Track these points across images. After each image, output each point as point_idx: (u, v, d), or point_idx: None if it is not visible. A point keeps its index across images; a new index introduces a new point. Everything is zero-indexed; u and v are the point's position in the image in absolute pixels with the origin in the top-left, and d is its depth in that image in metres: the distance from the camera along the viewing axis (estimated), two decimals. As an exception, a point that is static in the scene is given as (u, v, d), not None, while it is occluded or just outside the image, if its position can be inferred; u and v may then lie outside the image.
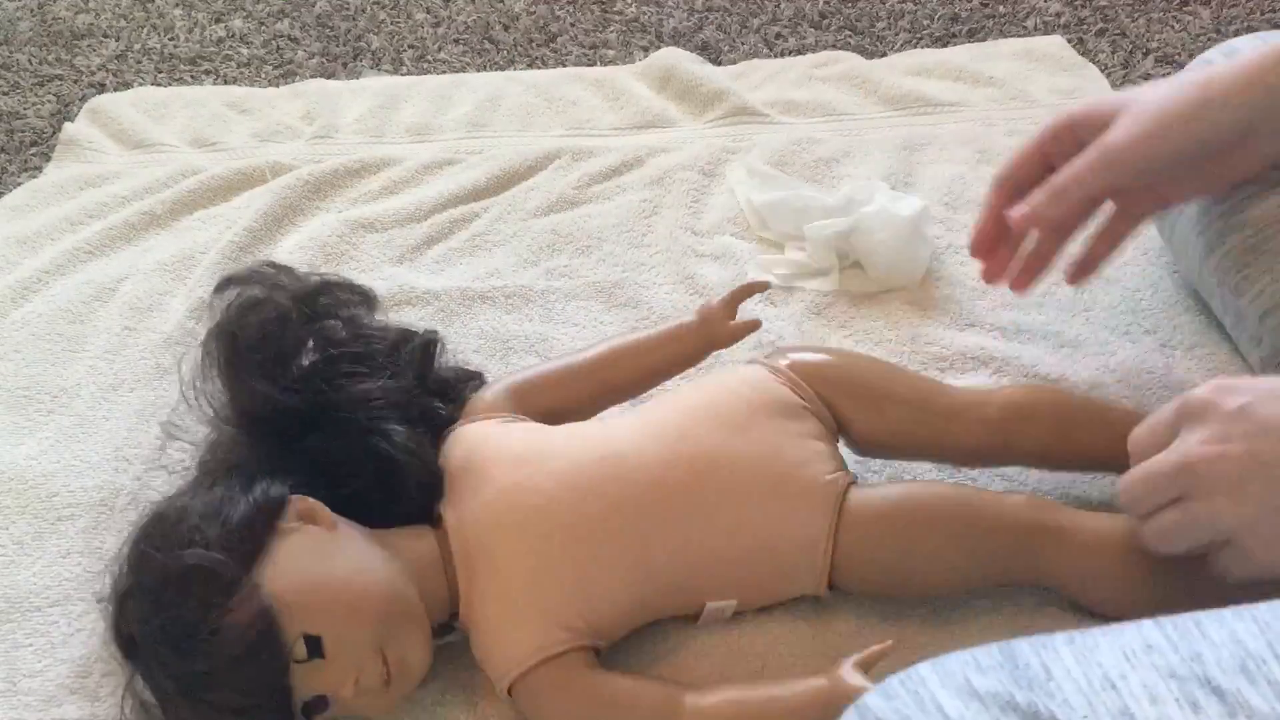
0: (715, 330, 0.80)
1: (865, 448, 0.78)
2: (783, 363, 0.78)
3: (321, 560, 0.67)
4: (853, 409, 0.76)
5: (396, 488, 0.71)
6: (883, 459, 0.81)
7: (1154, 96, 0.73)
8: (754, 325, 0.81)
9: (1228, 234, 0.85)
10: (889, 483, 0.79)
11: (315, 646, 0.64)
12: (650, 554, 0.69)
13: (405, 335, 0.79)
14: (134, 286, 1.04)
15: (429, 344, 0.79)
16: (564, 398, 0.79)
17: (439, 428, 0.76)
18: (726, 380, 0.77)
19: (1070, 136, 0.77)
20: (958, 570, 0.71)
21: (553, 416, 0.78)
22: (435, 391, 0.78)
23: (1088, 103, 0.78)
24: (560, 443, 0.74)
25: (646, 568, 0.69)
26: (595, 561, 0.69)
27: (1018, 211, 0.76)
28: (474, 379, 0.81)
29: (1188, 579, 0.66)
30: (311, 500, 0.69)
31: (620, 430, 0.74)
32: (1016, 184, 0.79)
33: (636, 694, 0.67)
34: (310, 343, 0.75)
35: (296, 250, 1.06)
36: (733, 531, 0.70)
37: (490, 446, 0.74)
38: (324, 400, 0.72)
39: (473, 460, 0.73)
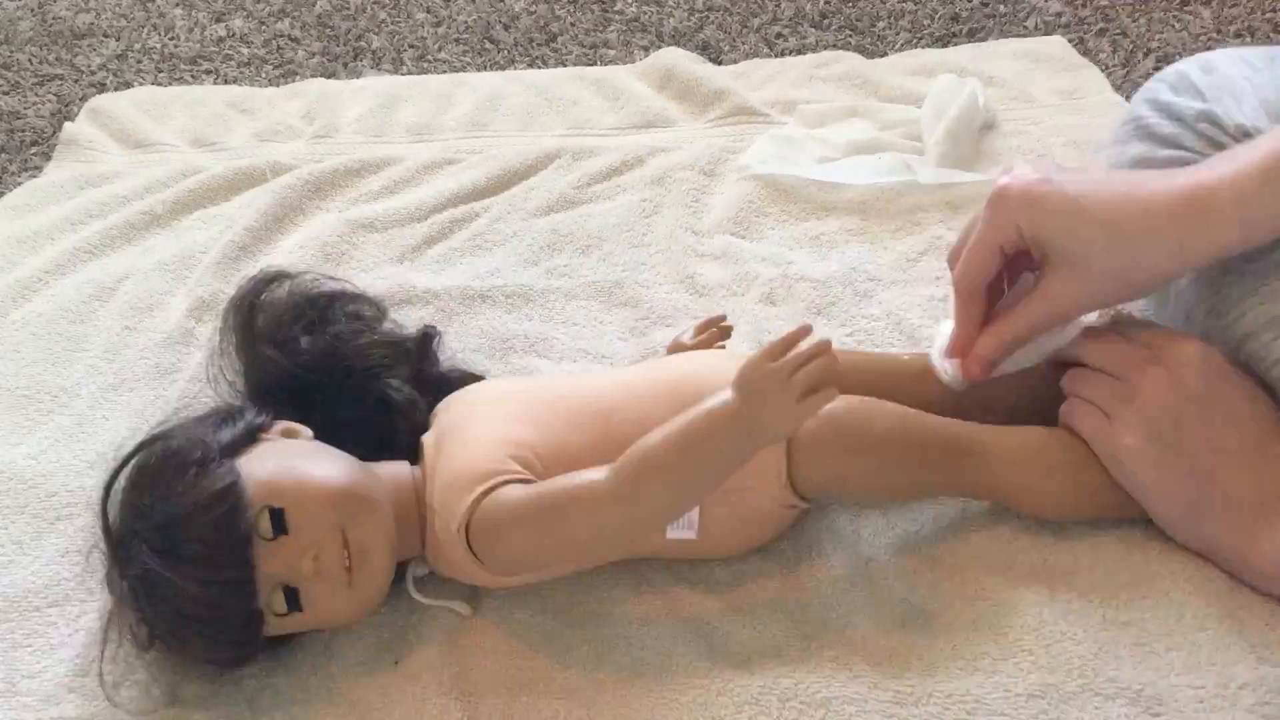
0: None
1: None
2: None
3: (293, 452, 0.72)
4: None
5: (388, 428, 0.77)
6: None
7: (1101, 238, 0.70)
8: (714, 339, 0.86)
9: None
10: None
11: (279, 521, 0.68)
12: (611, 427, 0.72)
13: (404, 335, 0.84)
14: (134, 286, 1.04)
15: (427, 336, 0.84)
16: None
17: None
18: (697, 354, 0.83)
19: (1013, 251, 0.75)
20: (891, 483, 0.76)
21: None
22: (434, 386, 0.81)
23: (1026, 219, 0.72)
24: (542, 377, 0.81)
25: (607, 438, 0.71)
26: (555, 423, 0.73)
27: (973, 371, 0.76)
28: (474, 380, 0.83)
29: (1105, 481, 0.74)
30: (294, 424, 0.75)
31: (599, 374, 0.81)
32: (983, 293, 0.77)
33: (567, 478, 0.68)
34: (314, 330, 0.80)
35: (296, 250, 1.06)
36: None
37: (467, 389, 0.80)
38: (334, 352, 0.78)
39: (448, 402, 0.79)
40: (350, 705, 0.71)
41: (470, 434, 0.73)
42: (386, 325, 0.84)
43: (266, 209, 1.10)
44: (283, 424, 0.75)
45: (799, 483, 0.74)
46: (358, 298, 0.85)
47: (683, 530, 0.73)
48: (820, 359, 0.65)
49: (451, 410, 0.78)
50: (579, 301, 1.01)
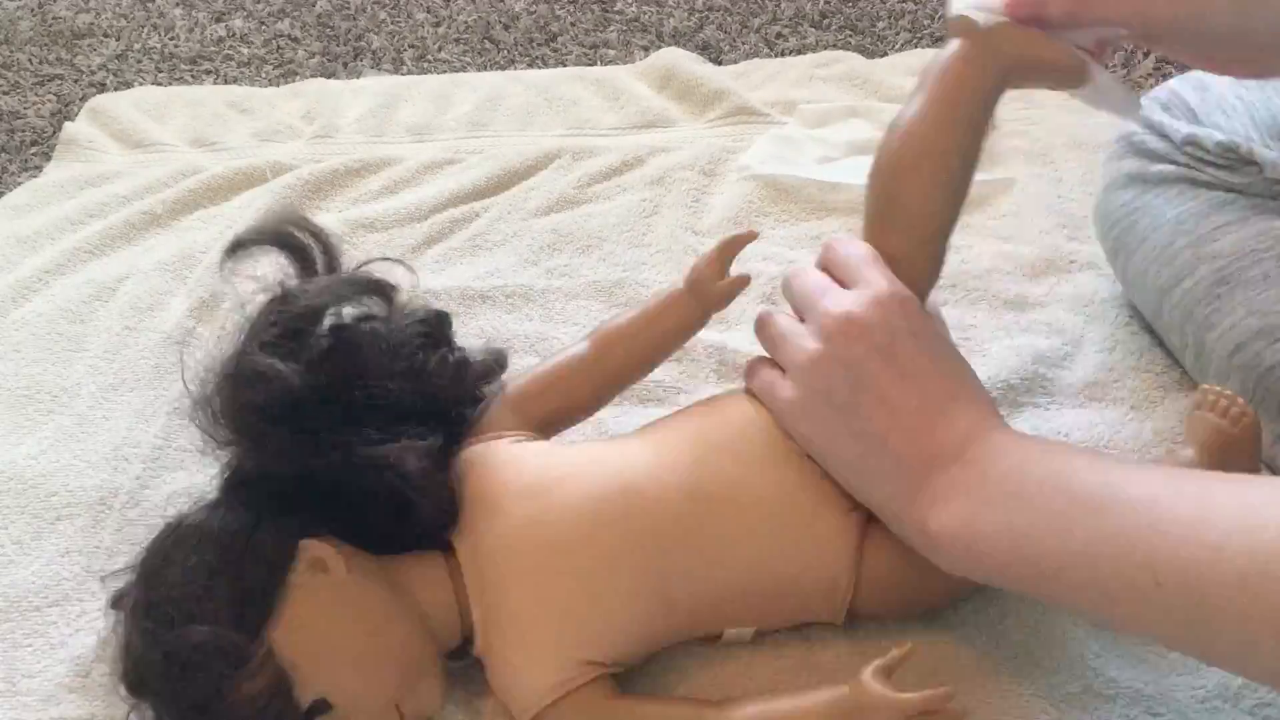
0: (706, 292, 0.74)
1: None
2: None
3: (334, 618, 0.64)
4: None
5: (410, 520, 0.67)
6: None
7: None
8: (744, 281, 0.75)
9: (1198, 264, 0.82)
10: None
11: (327, 709, 0.63)
12: (668, 587, 0.67)
13: (437, 362, 0.72)
14: (134, 286, 1.04)
15: (459, 364, 0.73)
16: (566, 399, 0.76)
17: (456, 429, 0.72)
18: (740, 407, 0.73)
19: None
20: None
21: (559, 418, 0.76)
22: (460, 403, 0.73)
23: None
24: (573, 470, 0.70)
25: (664, 600, 0.68)
26: (612, 595, 0.66)
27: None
28: (499, 367, 0.76)
29: None
30: (323, 547, 0.65)
31: (635, 457, 0.71)
32: None
33: (663, 715, 0.66)
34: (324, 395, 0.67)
35: (296, 250, 1.06)
36: (752, 567, 0.68)
37: (501, 474, 0.70)
38: (335, 461, 0.66)
39: (484, 488, 0.69)
40: (350, 705, 0.71)
41: (522, 615, 0.66)
42: (398, 326, 0.72)
43: (266, 209, 1.10)
44: (310, 551, 0.65)
45: (861, 611, 0.71)
46: (363, 290, 0.72)
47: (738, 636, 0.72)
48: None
49: (491, 533, 0.68)
50: (579, 301, 1.00)
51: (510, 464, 0.70)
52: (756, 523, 0.69)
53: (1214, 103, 0.87)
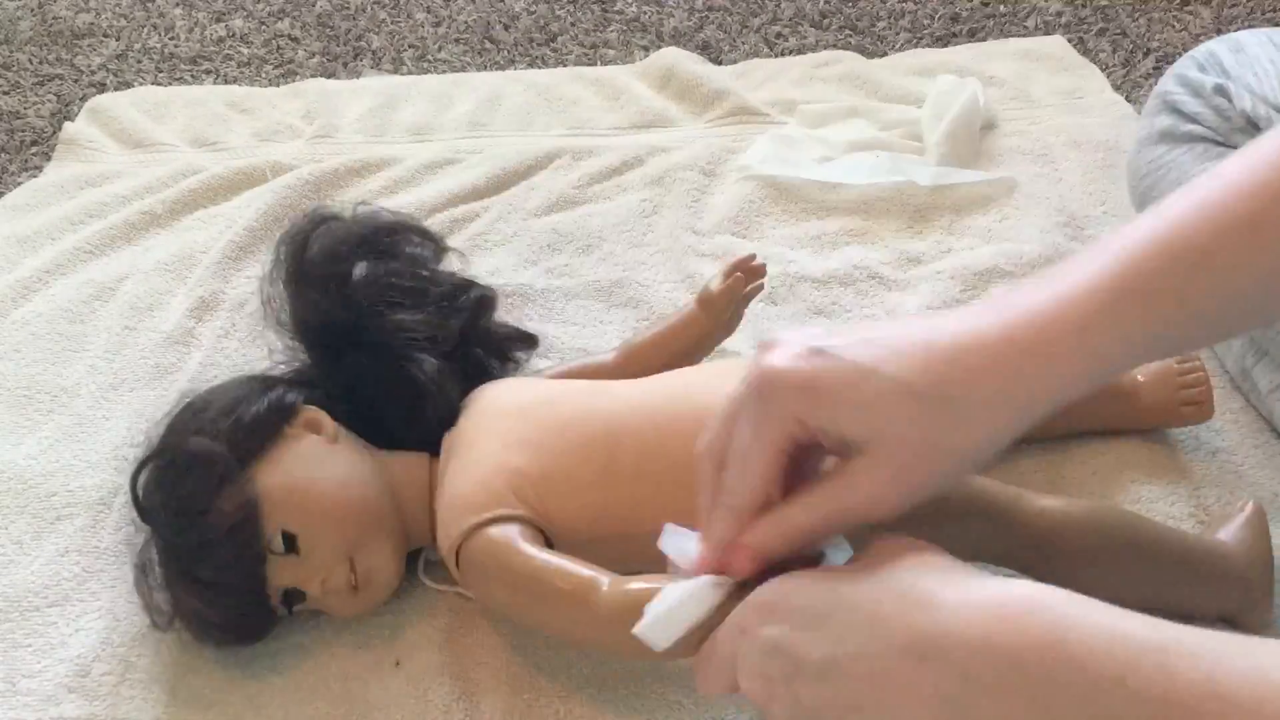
0: (715, 309, 0.83)
1: None
2: None
3: (312, 466, 0.73)
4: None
5: (414, 414, 0.77)
6: None
7: (904, 401, 0.50)
8: (739, 284, 0.82)
9: None
10: None
11: (290, 542, 0.70)
12: (617, 460, 0.71)
13: (464, 286, 0.83)
14: (134, 286, 1.04)
15: (483, 299, 0.83)
16: None
17: (478, 378, 0.81)
18: (731, 360, 0.83)
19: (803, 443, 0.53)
20: None
21: None
22: (482, 344, 0.83)
23: (805, 407, 0.52)
24: (558, 380, 0.80)
25: (611, 471, 0.71)
26: (560, 452, 0.72)
27: (737, 563, 0.54)
28: (529, 341, 0.86)
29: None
30: (320, 412, 0.76)
31: (618, 383, 0.79)
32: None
33: (563, 569, 0.66)
34: (369, 268, 0.79)
35: (296, 250, 1.06)
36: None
37: (498, 385, 0.80)
38: (367, 320, 0.77)
39: (478, 396, 0.78)
40: (351, 705, 0.71)
41: (476, 453, 0.73)
42: (443, 269, 0.84)
43: (266, 209, 1.10)
44: (308, 413, 0.76)
45: None
46: (419, 234, 0.85)
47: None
48: None
49: (471, 414, 0.77)
50: (579, 301, 1.00)
51: (506, 380, 0.81)
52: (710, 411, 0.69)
53: (1247, 64, 0.90)
